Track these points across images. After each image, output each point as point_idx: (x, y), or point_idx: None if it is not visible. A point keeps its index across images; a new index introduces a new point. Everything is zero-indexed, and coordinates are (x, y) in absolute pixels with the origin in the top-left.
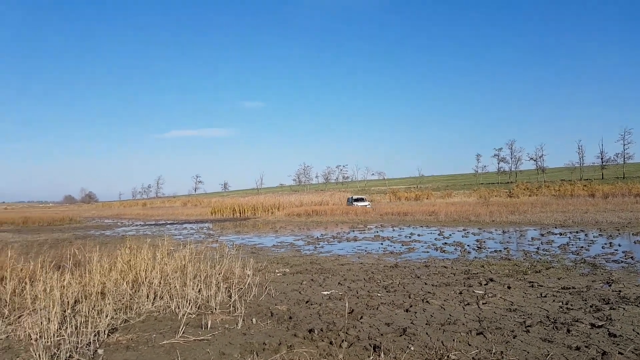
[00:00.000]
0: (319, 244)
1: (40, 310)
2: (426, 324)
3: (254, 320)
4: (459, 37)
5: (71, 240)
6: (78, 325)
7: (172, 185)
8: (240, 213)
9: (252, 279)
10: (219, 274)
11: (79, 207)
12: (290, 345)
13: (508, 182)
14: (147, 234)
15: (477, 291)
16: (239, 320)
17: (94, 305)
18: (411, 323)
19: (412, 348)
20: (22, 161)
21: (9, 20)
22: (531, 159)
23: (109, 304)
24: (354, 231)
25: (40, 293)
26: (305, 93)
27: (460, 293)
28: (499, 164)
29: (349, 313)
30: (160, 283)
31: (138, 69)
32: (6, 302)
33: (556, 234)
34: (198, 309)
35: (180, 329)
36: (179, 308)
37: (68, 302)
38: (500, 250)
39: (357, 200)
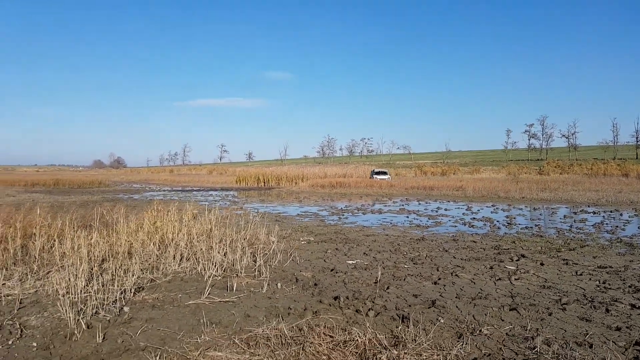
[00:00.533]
0: (343, 215)
1: (69, 267)
2: (456, 297)
3: (279, 285)
4: (491, 7)
5: (100, 202)
6: (105, 282)
7: (198, 153)
8: (264, 182)
9: (277, 246)
10: (244, 239)
11: (108, 172)
12: (316, 311)
13: (538, 160)
14: (174, 199)
15: (509, 267)
16: (264, 284)
17: (121, 264)
18: (440, 296)
19: (442, 321)
20: (53, 125)
21: None
22: (563, 136)
23: (136, 263)
24: (378, 204)
25: (68, 250)
26: (332, 65)
27: (491, 268)
28: (529, 140)
29: (375, 283)
30: (186, 245)
31: (168, 37)
32: (35, 258)
33: (589, 213)
34: (224, 271)
35: (206, 290)
36: (205, 270)
37: (95, 259)
38: (531, 227)
39: (377, 173)
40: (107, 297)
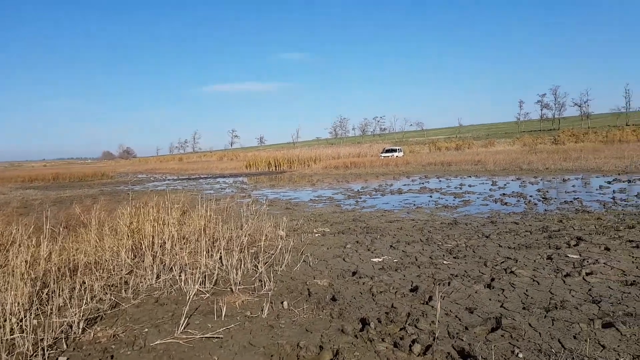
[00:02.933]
0: (360, 198)
1: (2, 292)
2: (523, 308)
3: (285, 303)
4: None
5: (96, 196)
6: (51, 310)
7: (208, 140)
8: (275, 167)
9: (285, 242)
10: (245, 236)
11: (116, 163)
12: (337, 351)
13: (551, 130)
14: (177, 189)
15: (571, 255)
16: (265, 304)
17: (79, 282)
18: (502, 307)
19: (521, 355)
20: (61, 118)
21: None
22: (575, 104)
23: (97, 280)
24: (396, 183)
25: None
26: (344, 44)
27: (550, 258)
28: (541, 110)
29: (413, 291)
30: (170, 249)
31: (177, 25)
32: None
33: (624, 182)
34: (214, 284)
35: (182, 319)
36: (188, 284)
37: (40, 277)
38: (571, 202)
39: (388, 151)
40: (45, 337)
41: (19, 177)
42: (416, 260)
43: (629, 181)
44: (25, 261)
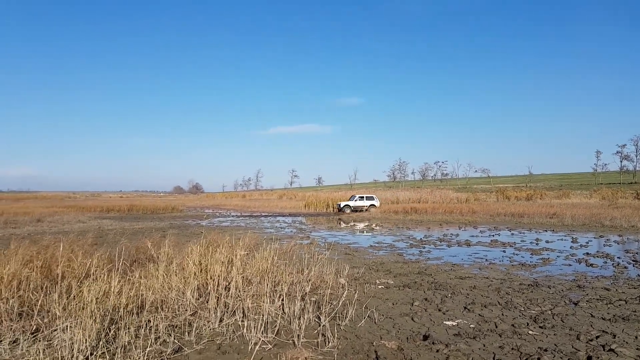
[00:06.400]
0: (424, 248)
1: (71, 327)
2: None
3: None
4: (576, 20)
5: (165, 229)
6: (114, 352)
7: (270, 178)
8: (333, 208)
9: (348, 292)
10: (307, 282)
11: (185, 197)
12: None
13: (632, 183)
14: (240, 226)
15: None
16: None
17: (143, 321)
18: None
19: None
20: (138, 153)
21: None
22: None
23: (162, 321)
24: (463, 233)
25: (73, 302)
26: (404, 88)
27: None
28: (621, 162)
29: None
30: (234, 293)
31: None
32: (47, 310)
33: None
34: (276, 334)
35: None
36: (251, 331)
37: (106, 315)
38: None
39: (360, 199)
40: None
41: (97, 207)
42: (496, 327)
43: None
44: (96, 298)
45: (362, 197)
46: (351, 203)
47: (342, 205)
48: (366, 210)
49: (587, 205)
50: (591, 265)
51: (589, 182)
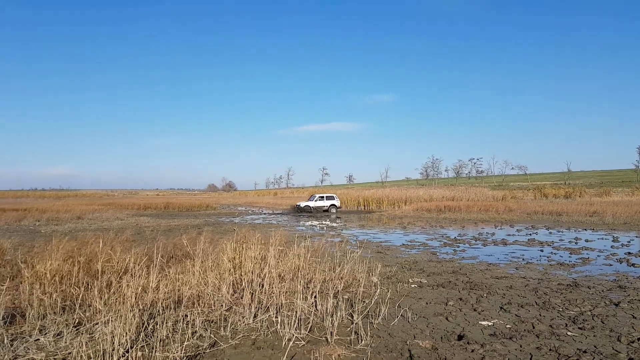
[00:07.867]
0: (458, 247)
1: (112, 320)
2: None
3: None
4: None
5: (200, 226)
6: (152, 345)
7: (301, 176)
8: (364, 206)
9: (380, 291)
10: (339, 280)
11: (219, 195)
12: None
13: None
14: (272, 223)
15: None
16: None
17: (180, 316)
18: None
19: None
20: (174, 153)
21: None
22: None
23: (198, 315)
24: (499, 232)
25: (113, 296)
26: (437, 84)
27: None
28: None
29: None
30: (267, 289)
31: (277, 71)
32: (89, 304)
33: None
34: (309, 331)
35: None
36: (284, 327)
37: (146, 308)
38: None
39: (320, 199)
40: None
41: (135, 205)
42: (533, 328)
43: None
44: (135, 293)
45: (322, 196)
46: (311, 203)
47: (302, 205)
48: (325, 210)
49: (628, 203)
50: (633, 265)
51: (630, 180)
